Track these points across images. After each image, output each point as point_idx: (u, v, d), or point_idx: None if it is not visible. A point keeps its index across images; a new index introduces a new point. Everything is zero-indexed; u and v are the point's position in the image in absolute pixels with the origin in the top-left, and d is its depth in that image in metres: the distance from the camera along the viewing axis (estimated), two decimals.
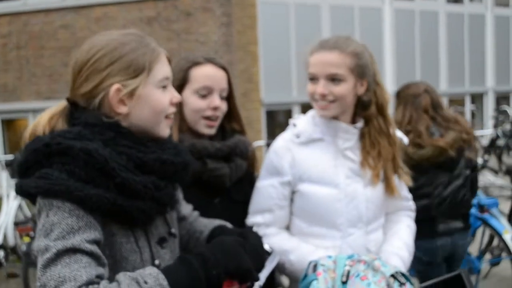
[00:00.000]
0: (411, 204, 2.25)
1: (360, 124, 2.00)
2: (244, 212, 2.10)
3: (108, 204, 1.31)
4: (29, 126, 1.46)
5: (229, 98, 2.09)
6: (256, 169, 2.27)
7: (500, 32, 14.52)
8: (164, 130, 1.51)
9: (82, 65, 1.42)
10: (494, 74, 14.47)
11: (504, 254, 4.40)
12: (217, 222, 1.77)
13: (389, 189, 2.04)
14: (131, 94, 1.43)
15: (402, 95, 3.42)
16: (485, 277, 4.59)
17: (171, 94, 1.52)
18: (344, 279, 1.64)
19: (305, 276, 1.74)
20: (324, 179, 1.96)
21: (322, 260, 1.72)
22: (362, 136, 2.02)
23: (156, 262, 1.46)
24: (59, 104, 1.49)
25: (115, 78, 1.41)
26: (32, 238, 4.96)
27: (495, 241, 4.64)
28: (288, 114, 10.81)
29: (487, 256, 4.65)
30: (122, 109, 1.43)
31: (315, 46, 1.95)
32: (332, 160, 1.98)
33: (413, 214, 2.26)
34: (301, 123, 2.04)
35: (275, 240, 1.99)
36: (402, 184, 2.15)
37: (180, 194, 1.73)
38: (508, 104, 14.53)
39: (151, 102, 1.46)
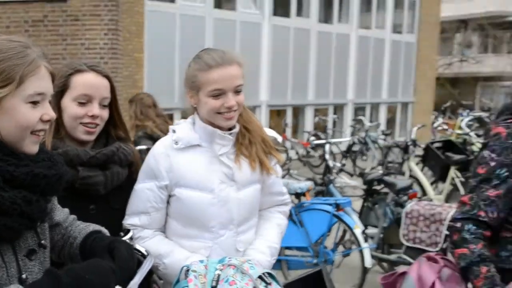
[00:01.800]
0: (286, 198, 2.25)
1: (236, 129, 2.01)
2: (123, 219, 2.03)
3: None
4: None
5: (113, 105, 2.00)
6: None
7: (361, 51, 15.39)
8: (29, 146, 1.36)
9: None
10: (354, 88, 15.32)
11: (354, 246, 4.69)
12: (92, 227, 1.67)
13: (265, 169, 2.03)
14: None
15: (132, 99, 4.78)
16: (337, 267, 4.78)
17: (43, 111, 1.36)
18: (214, 283, 1.64)
19: (178, 281, 1.71)
20: (200, 185, 1.94)
21: (193, 266, 1.70)
22: (237, 139, 2.03)
23: (23, 276, 1.33)
24: None
25: None
26: None
27: (347, 235, 4.92)
28: (170, 118, 10.67)
29: (340, 248, 4.91)
30: None
31: (211, 63, 1.91)
32: (208, 165, 1.96)
33: (287, 208, 2.26)
34: (180, 129, 2.00)
35: (150, 243, 1.94)
36: (278, 180, 2.17)
37: (54, 200, 1.62)
38: (364, 114, 15.38)
39: (15, 116, 1.31)
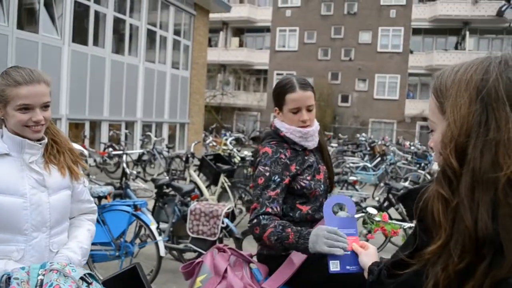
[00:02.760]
0: (93, 206, 2.04)
1: (45, 140, 1.77)
2: None
3: None
4: None
5: None
6: None
7: (148, 80, 15.20)
8: None
9: None
10: (142, 109, 15.08)
11: (149, 240, 4.53)
12: None
13: (74, 175, 1.84)
14: None
15: None
16: (135, 257, 4.58)
17: None
18: None
19: None
20: (10, 190, 1.65)
21: (15, 273, 1.42)
22: (46, 149, 1.79)
23: None
24: None
25: None
26: None
27: (143, 231, 4.70)
28: None
29: (137, 241, 4.67)
30: None
31: (20, 79, 1.64)
32: (18, 172, 1.68)
33: (94, 216, 2.05)
34: None
35: None
36: (86, 189, 1.97)
37: None
38: (150, 130, 15.26)
39: None
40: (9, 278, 1.41)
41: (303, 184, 2.07)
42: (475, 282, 0.75)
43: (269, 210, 1.97)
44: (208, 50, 20.51)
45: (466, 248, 0.75)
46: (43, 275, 1.44)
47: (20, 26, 10.43)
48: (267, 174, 2.02)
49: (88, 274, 1.52)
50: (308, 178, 2.09)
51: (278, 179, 2.02)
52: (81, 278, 1.48)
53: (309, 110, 2.10)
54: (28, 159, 1.71)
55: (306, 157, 2.14)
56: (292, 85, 2.09)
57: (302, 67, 29.42)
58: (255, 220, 1.97)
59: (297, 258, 1.96)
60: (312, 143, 2.16)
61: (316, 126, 2.18)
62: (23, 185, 1.68)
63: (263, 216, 1.96)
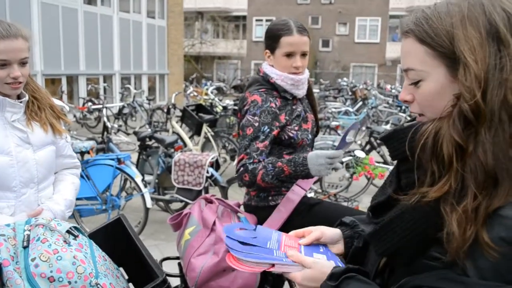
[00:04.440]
0: (76, 161, 2.03)
1: (26, 98, 1.73)
2: None
3: None
4: None
5: None
6: None
7: (123, 30, 14.78)
8: None
9: None
10: (119, 61, 14.74)
11: (135, 192, 4.55)
12: None
13: (57, 131, 1.84)
14: None
15: None
16: (122, 210, 4.65)
17: None
18: (25, 244, 1.39)
19: None
20: None
21: (1, 230, 1.42)
22: (27, 107, 1.77)
23: None
24: None
25: None
26: None
27: (128, 184, 4.74)
28: None
29: (123, 194, 4.68)
30: None
31: None
32: (2, 131, 1.68)
33: (78, 171, 2.05)
34: None
35: None
36: (68, 145, 1.96)
37: None
38: (129, 83, 14.97)
39: None
40: None
41: (291, 135, 2.03)
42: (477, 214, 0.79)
43: (256, 161, 1.95)
44: None
45: (483, 185, 0.79)
46: (29, 230, 1.44)
47: None
48: (256, 124, 1.96)
49: (74, 227, 1.52)
50: (296, 128, 2.04)
51: (268, 130, 1.96)
52: (67, 231, 1.48)
53: (303, 56, 2.03)
54: (10, 118, 1.69)
55: (294, 106, 2.08)
56: (290, 27, 1.98)
57: (281, 12, 28.73)
58: (242, 169, 1.95)
59: (285, 207, 1.97)
60: (302, 92, 2.10)
61: (307, 74, 2.11)
62: (8, 143, 1.67)
63: (250, 163, 1.94)
